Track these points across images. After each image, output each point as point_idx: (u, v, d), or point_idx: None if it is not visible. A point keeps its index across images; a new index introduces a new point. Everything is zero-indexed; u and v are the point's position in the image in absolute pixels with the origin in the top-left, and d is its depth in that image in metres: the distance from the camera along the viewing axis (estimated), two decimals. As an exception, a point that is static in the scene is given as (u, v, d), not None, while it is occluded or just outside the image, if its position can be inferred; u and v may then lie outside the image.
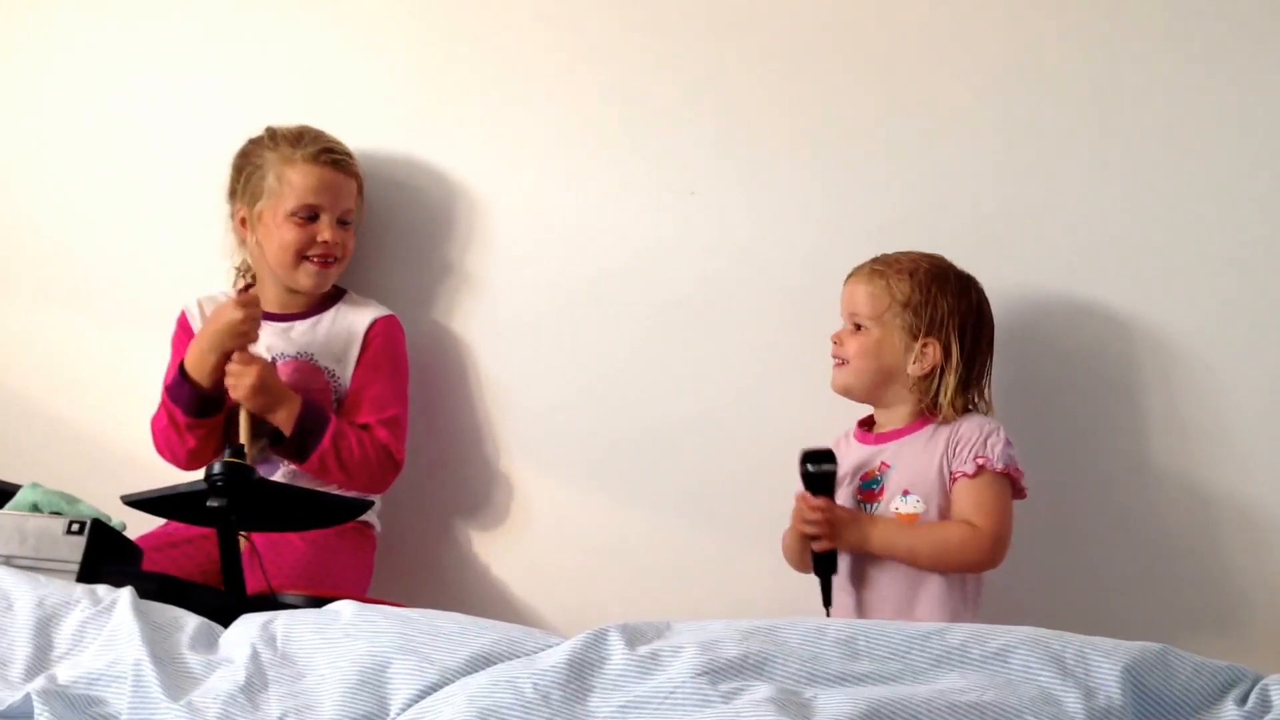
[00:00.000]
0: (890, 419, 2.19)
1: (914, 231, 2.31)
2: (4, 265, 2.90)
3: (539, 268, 2.56)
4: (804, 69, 2.43)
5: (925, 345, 2.12)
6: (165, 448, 2.47)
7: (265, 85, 2.73)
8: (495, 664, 1.46)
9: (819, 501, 2.09)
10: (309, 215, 2.45)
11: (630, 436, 2.51)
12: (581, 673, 1.39)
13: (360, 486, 2.42)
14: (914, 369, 2.13)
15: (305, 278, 2.48)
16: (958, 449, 2.10)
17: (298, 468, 2.42)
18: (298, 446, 2.38)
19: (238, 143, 2.54)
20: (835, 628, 1.44)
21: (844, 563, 2.14)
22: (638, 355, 2.51)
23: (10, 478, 2.21)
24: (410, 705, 1.41)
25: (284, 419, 2.37)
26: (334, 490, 2.38)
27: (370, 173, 2.58)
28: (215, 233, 2.57)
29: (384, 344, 2.52)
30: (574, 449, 2.54)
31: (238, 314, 2.36)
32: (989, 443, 2.09)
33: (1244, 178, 2.25)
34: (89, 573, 1.89)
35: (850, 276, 2.20)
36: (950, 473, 2.10)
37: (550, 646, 1.48)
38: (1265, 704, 1.34)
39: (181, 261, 2.73)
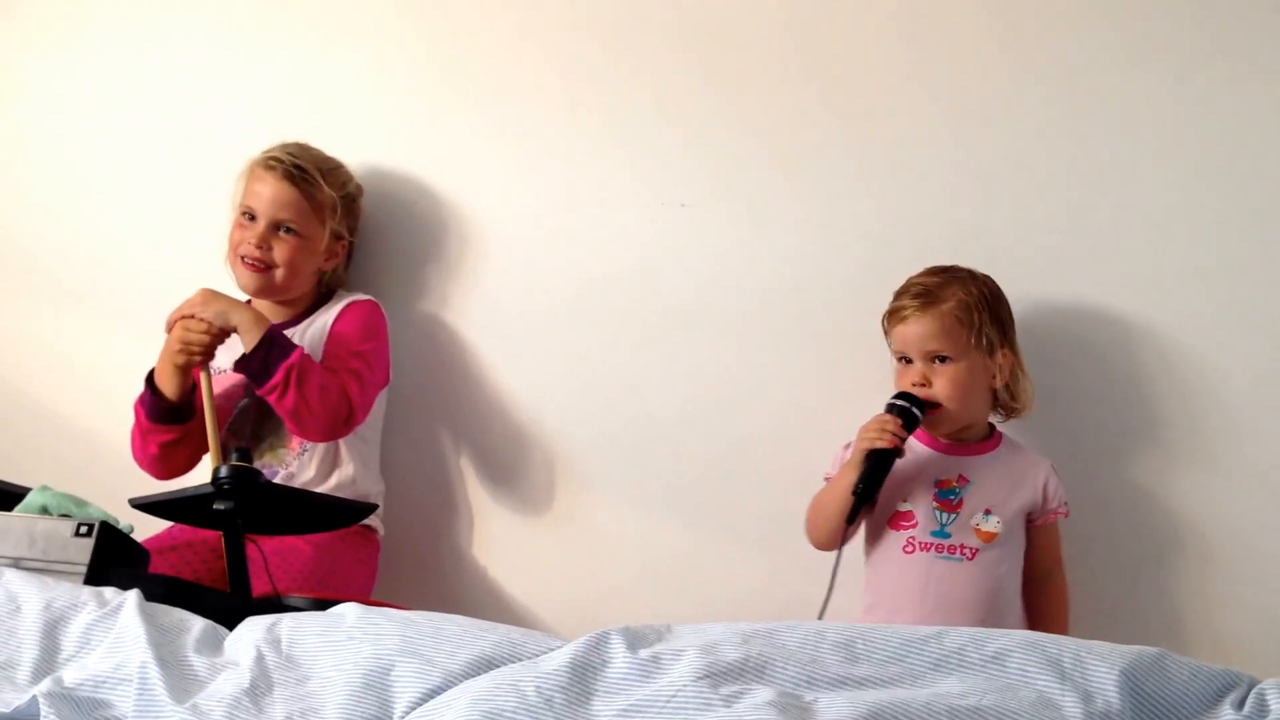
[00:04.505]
0: (967, 430, 2.20)
1: (903, 240, 2.33)
2: (16, 269, 2.93)
3: (536, 276, 2.58)
4: (794, 83, 2.44)
5: (1004, 355, 2.16)
6: (135, 456, 2.49)
7: (272, 97, 2.76)
8: (497, 667, 1.47)
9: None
10: (249, 216, 2.48)
11: (629, 440, 2.52)
12: (584, 676, 1.40)
13: (317, 424, 2.34)
14: (998, 380, 2.17)
15: (239, 277, 2.49)
16: (1047, 498, 2.16)
17: (260, 391, 2.34)
18: (263, 360, 2.31)
19: (243, 150, 2.55)
20: (834, 631, 1.45)
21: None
22: (636, 359, 2.52)
23: (19, 480, 2.23)
24: (414, 708, 1.42)
25: (245, 325, 2.32)
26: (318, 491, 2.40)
27: (372, 185, 2.61)
28: (222, 238, 2.58)
29: (355, 317, 2.50)
30: (574, 453, 2.55)
31: (175, 331, 2.34)
32: (1060, 494, 2.17)
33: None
34: (97, 575, 1.90)
35: (903, 317, 2.16)
36: (1034, 517, 2.17)
37: (552, 649, 1.48)
38: (1262, 708, 1.34)
39: (192, 266, 2.73)
